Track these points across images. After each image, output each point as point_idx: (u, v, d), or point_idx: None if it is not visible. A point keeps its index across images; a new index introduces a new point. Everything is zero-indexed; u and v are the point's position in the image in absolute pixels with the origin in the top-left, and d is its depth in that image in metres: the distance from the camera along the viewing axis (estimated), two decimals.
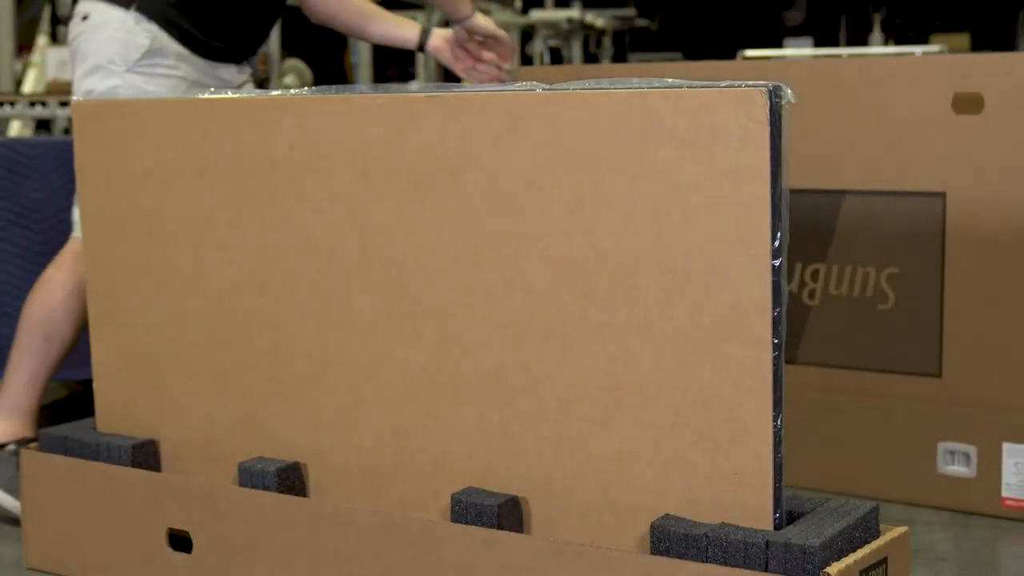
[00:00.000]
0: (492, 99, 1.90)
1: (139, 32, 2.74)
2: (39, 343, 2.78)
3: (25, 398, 2.77)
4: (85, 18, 2.80)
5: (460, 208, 1.93)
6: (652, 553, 1.76)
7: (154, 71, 2.75)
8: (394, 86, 2.04)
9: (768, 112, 1.68)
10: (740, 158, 1.70)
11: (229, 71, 2.91)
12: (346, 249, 2.05)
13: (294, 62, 8.27)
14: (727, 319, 1.73)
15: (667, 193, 1.76)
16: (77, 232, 2.77)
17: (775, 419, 1.72)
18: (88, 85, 2.76)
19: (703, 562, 1.72)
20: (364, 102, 2.01)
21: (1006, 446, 2.63)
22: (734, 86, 1.71)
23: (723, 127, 1.71)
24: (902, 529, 1.85)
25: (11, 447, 2.69)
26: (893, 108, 2.72)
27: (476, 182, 1.91)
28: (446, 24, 3.08)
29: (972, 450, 2.66)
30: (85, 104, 2.35)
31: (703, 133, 1.73)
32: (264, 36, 3.02)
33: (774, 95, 1.69)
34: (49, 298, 2.79)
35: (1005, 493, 2.64)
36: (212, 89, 2.61)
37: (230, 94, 2.19)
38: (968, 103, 2.66)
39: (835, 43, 13.99)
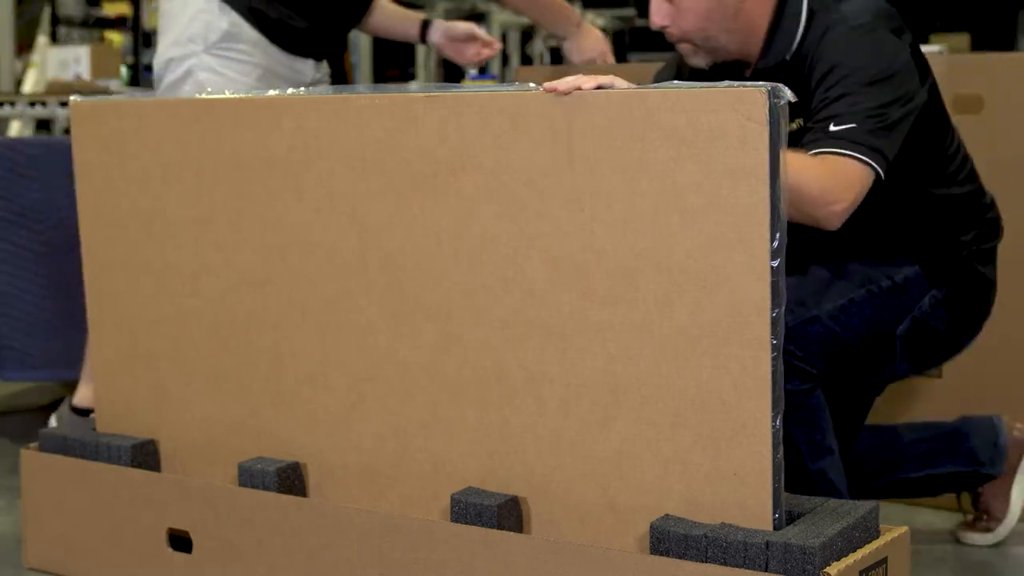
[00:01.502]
0: (491, 99, 1.90)
1: (220, 16, 2.81)
2: None
3: None
4: None
5: (459, 208, 1.93)
6: (652, 553, 1.76)
7: (228, 55, 2.82)
8: (393, 86, 2.04)
9: (767, 112, 1.68)
10: (739, 158, 1.70)
11: (306, 65, 2.94)
12: (346, 249, 2.05)
13: None
14: (726, 319, 1.73)
15: (666, 193, 1.76)
16: None
17: (774, 419, 1.72)
18: (169, 54, 2.86)
19: (703, 562, 1.72)
20: (363, 102, 2.01)
21: None
22: (733, 86, 1.71)
23: (722, 127, 1.71)
24: (902, 529, 1.85)
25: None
26: None
27: (475, 182, 1.91)
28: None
29: None
30: (84, 104, 2.35)
31: (702, 133, 1.72)
32: (344, 35, 3.07)
33: (773, 95, 1.68)
34: None
35: None
36: (295, 88, 2.66)
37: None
38: (968, 103, 2.65)
39: None
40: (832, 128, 2.05)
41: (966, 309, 2.30)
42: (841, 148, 2.04)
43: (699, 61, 2.28)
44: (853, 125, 2.05)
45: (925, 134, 2.22)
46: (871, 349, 2.25)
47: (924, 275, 2.27)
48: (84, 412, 3.01)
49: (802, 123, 2.14)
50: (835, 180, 2.02)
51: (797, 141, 2.09)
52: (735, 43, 2.25)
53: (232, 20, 2.82)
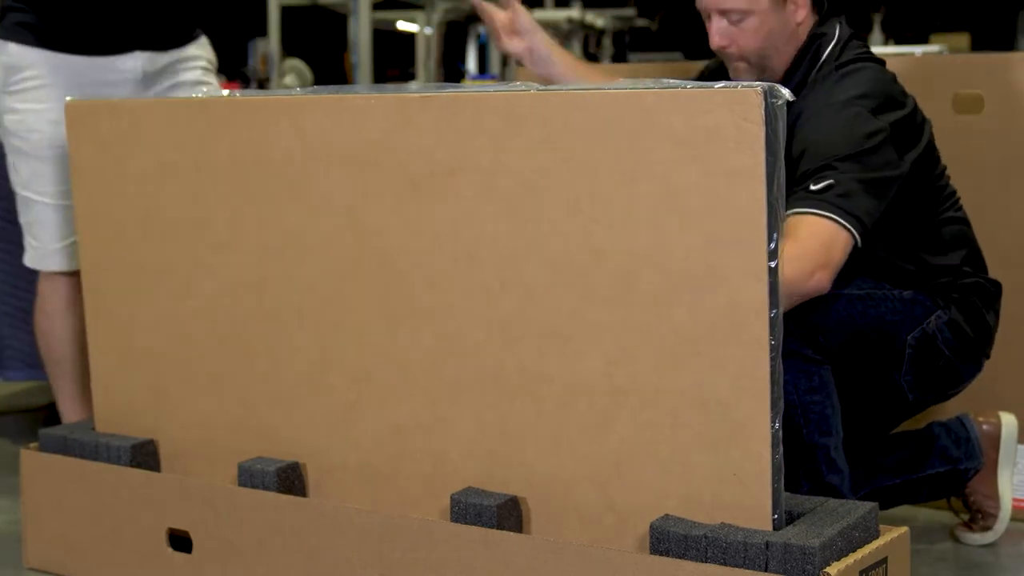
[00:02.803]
0: (488, 99, 1.90)
1: (2, 54, 2.72)
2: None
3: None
4: None
5: (457, 208, 1.93)
6: (652, 553, 1.76)
7: (20, 87, 2.72)
8: (393, 86, 2.04)
9: (763, 113, 1.68)
10: (736, 159, 1.70)
11: (134, 60, 2.75)
12: (343, 249, 2.05)
13: (294, 62, 8.26)
14: (725, 320, 1.73)
15: (664, 194, 1.76)
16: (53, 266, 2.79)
17: (773, 420, 1.72)
18: None
19: (703, 562, 1.72)
20: (360, 102, 2.01)
21: None
22: (729, 86, 1.71)
23: (719, 128, 1.71)
24: (902, 529, 1.85)
25: None
26: None
27: (473, 182, 1.91)
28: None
29: None
30: (79, 104, 2.34)
31: (699, 134, 1.72)
32: (171, 9, 2.79)
33: (770, 95, 1.68)
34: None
35: None
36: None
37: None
38: (968, 103, 2.66)
39: None
40: (812, 187, 2.13)
41: (966, 340, 2.35)
42: (820, 209, 2.11)
43: (749, 79, 2.37)
44: (831, 182, 2.13)
45: (910, 203, 2.30)
46: (880, 347, 2.30)
47: (928, 298, 2.35)
48: None
49: None
50: (812, 243, 2.08)
51: None
52: (782, 64, 2.37)
53: (7, 51, 2.70)
